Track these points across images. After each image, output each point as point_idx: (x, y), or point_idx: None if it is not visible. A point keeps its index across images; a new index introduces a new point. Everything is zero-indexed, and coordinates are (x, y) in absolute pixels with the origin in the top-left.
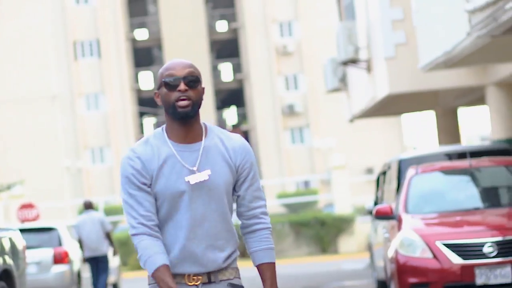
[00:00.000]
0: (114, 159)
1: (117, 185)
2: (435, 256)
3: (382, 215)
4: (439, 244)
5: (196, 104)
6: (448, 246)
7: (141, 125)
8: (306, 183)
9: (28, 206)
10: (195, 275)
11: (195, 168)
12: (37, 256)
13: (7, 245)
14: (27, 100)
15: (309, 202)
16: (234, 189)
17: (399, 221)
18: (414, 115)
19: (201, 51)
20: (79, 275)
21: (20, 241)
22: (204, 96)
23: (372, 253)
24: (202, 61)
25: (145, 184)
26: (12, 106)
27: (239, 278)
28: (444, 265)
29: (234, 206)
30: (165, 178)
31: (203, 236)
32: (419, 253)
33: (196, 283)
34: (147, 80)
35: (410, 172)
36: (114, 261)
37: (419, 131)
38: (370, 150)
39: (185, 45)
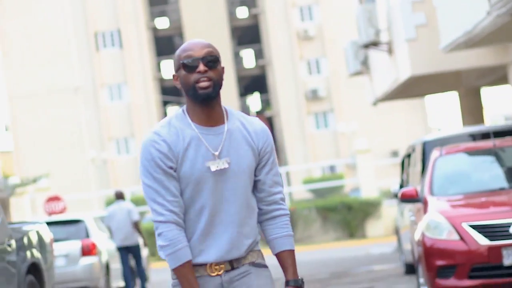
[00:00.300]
0: (139, 149)
1: None
2: (461, 238)
3: (408, 198)
4: (465, 226)
5: (217, 84)
6: (474, 227)
7: (165, 114)
8: (332, 168)
9: (55, 198)
10: (217, 264)
11: (216, 153)
12: (65, 249)
13: (34, 239)
14: (50, 93)
15: (335, 187)
16: (254, 174)
17: (425, 203)
18: (438, 96)
19: (222, 38)
20: (107, 266)
21: (47, 234)
22: (227, 83)
23: (399, 236)
24: (223, 48)
25: (171, 168)
26: (36, 99)
27: (263, 259)
28: (471, 247)
29: None
30: (190, 161)
31: (229, 222)
32: (445, 235)
33: (219, 273)
34: (169, 69)
35: (434, 154)
36: (143, 252)
37: (443, 112)
38: (394, 133)
39: (206, 32)
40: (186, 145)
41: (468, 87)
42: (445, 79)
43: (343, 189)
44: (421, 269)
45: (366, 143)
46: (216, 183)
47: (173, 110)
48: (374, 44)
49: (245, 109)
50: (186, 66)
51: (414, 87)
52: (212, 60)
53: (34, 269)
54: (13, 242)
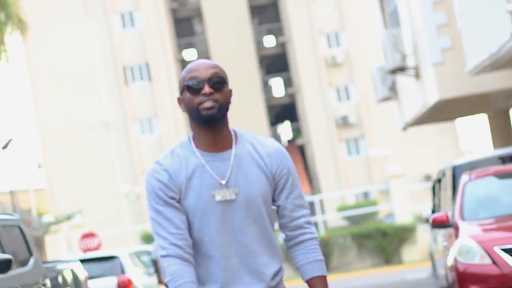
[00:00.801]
0: None
1: None
2: (494, 262)
3: (439, 224)
4: (497, 250)
5: (223, 107)
6: (506, 251)
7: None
8: (365, 194)
9: (90, 235)
10: None
11: (224, 182)
12: (101, 286)
13: (69, 277)
14: (81, 128)
15: (369, 214)
16: (273, 199)
17: (456, 228)
18: (468, 119)
19: (251, 68)
20: None
21: (82, 272)
22: (257, 113)
23: (433, 261)
24: (252, 78)
25: (173, 198)
26: (67, 135)
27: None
28: (504, 270)
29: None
30: (195, 192)
31: (244, 253)
32: (478, 260)
33: None
34: None
35: (464, 178)
36: None
37: (475, 134)
38: (426, 157)
39: (234, 62)
40: (189, 174)
41: (497, 109)
42: (473, 101)
43: (377, 215)
44: None
45: (399, 168)
46: (224, 213)
47: None
48: (401, 69)
49: (277, 139)
50: (190, 88)
51: (443, 111)
52: (218, 82)
53: None
54: (47, 282)
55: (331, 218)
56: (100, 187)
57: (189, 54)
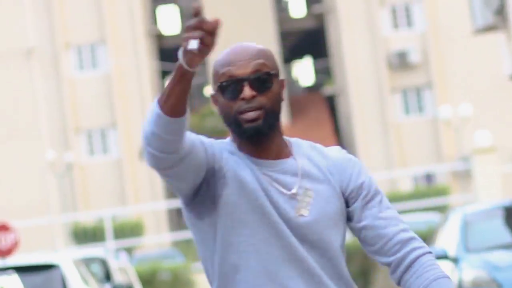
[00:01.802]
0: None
1: None
2: None
3: None
4: None
5: (271, 114)
6: None
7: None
8: (429, 177)
9: (1, 228)
10: None
11: (294, 192)
12: None
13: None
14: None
15: (436, 207)
16: (350, 221)
17: None
18: None
19: None
20: None
21: None
22: (264, 42)
23: None
24: None
25: (207, 152)
26: None
27: None
28: None
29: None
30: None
31: None
32: None
33: None
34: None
35: None
36: None
37: None
38: None
39: None
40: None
41: None
42: None
43: (448, 210)
44: None
45: (487, 139)
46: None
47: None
48: None
49: (292, 83)
50: (225, 91)
51: None
52: (263, 80)
53: None
54: None
55: None
56: (15, 153)
57: None
